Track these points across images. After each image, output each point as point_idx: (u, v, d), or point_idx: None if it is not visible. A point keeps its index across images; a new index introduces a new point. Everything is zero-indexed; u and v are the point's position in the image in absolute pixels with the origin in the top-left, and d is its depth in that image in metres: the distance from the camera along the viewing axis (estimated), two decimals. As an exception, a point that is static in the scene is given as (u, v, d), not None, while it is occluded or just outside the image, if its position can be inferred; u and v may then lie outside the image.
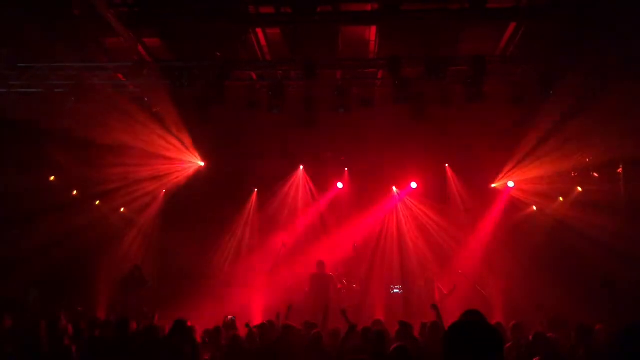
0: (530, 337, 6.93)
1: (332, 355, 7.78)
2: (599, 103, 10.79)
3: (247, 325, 9.13)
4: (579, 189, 14.12)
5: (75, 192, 14.87)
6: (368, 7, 10.01)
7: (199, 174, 15.13)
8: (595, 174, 13.51)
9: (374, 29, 10.67)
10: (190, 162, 14.93)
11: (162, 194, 15.85)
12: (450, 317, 6.27)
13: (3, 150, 12.29)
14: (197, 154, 14.61)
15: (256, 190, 16.38)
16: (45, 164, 13.66)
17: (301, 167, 16.02)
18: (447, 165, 15.59)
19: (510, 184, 14.68)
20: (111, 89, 11.67)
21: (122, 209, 15.51)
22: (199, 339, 8.92)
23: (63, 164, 13.64)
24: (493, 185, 15.08)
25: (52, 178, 14.27)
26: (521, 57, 10.65)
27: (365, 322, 9.51)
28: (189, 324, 9.25)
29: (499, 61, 10.74)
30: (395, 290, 14.88)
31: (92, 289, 13.37)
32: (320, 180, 16.13)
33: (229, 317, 10.79)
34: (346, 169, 16.02)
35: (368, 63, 11.25)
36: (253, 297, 14.06)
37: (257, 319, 12.16)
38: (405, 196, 16.05)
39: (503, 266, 13.40)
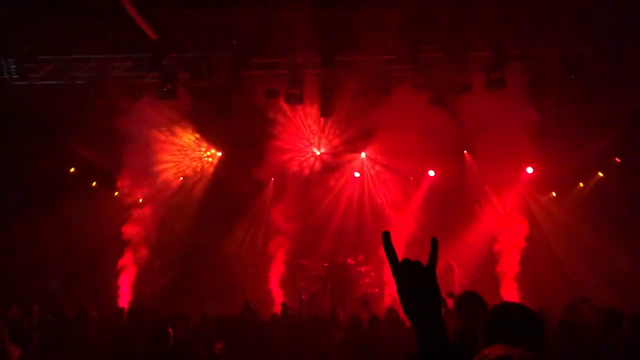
0: (556, 324, 6.90)
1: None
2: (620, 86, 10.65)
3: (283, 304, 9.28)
4: (600, 174, 13.99)
5: (94, 184, 15.02)
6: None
7: (217, 163, 15.24)
8: (618, 159, 13.37)
9: (393, 14, 10.56)
10: (208, 152, 15.03)
11: (179, 184, 15.97)
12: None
13: (25, 142, 12.42)
14: (215, 144, 14.70)
15: (273, 179, 16.46)
16: (65, 156, 13.79)
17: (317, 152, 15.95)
18: (465, 152, 15.49)
19: (529, 170, 14.54)
20: (130, 80, 11.73)
21: (141, 200, 15.64)
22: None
23: (83, 155, 13.77)
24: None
25: (72, 170, 14.42)
26: (544, 41, 10.48)
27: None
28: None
29: (521, 46, 10.58)
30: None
31: (114, 280, 13.53)
32: (336, 168, 16.16)
33: (250, 304, 10.89)
34: (363, 155, 15.97)
35: (387, 49, 11.12)
36: (273, 284, 14.19)
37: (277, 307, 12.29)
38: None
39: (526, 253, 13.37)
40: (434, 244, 1.70)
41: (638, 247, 12.03)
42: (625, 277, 11.87)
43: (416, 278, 1.63)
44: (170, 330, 5.95)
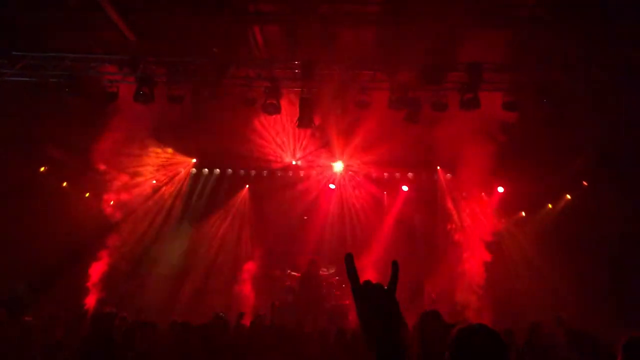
0: (521, 344, 7.04)
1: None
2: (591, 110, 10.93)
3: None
4: (568, 196, 14.33)
5: (65, 184, 14.71)
6: (368, 9, 10.03)
7: (190, 169, 15.15)
8: (585, 183, 13.70)
9: (372, 31, 10.69)
10: (183, 157, 14.96)
11: (152, 188, 15.78)
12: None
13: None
14: (190, 150, 14.63)
15: (247, 186, 16.45)
16: (36, 154, 13.48)
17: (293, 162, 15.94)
18: (438, 167, 15.75)
19: (500, 189, 14.82)
20: (106, 81, 11.55)
21: (112, 202, 15.39)
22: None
23: (54, 154, 13.48)
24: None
25: (42, 169, 14.10)
26: (517, 65, 10.73)
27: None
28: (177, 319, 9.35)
29: (496, 69, 10.80)
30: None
31: (82, 282, 13.24)
32: (312, 179, 16.21)
33: (220, 313, 10.78)
34: (339, 167, 16.01)
35: (365, 66, 11.24)
36: (243, 293, 14.08)
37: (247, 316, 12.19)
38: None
39: (494, 270, 13.59)
40: (395, 267, 1.71)
41: (602, 267, 12.33)
42: (590, 298, 12.12)
43: (376, 300, 1.64)
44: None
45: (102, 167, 13.79)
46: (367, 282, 1.67)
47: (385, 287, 1.68)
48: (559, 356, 6.57)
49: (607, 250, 12.00)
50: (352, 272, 1.66)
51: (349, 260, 1.67)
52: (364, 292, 1.66)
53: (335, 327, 9.15)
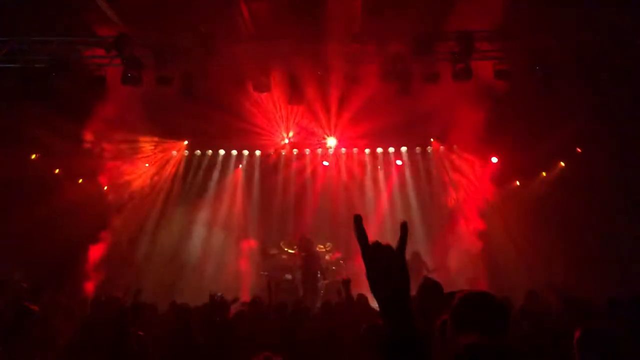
0: (518, 310, 7.10)
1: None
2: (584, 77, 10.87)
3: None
4: (562, 164, 14.33)
5: (57, 171, 14.62)
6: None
7: (183, 150, 15.07)
8: (579, 149, 13.68)
9: (360, 3, 10.53)
10: (175, 140, 14.88)
11: (146, 170, 15.72)
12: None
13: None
14: (182, 132, 14.55)
15: (240, 166, 16.41)
16: (26, 142, 13.36)
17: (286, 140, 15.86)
18: (432, 139, 15.75)
19: (494, 160, 14.80)
20: (93, 64, 11.40)
21: (106, 187, 15.34)
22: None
23: (45, 141, 13.36)
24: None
25: (33, 156, 13.99)
26: (509, 33, 10.62)
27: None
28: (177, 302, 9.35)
29: (487, 37, 10.69)
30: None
31: (80, 268, 13.26)
32: (306, 155, 16.19)
33: (218, 294, 10.82)
34: (332, 143, 15.95)
35: (355, 38, 11.10)
36: (241, 272, 14.15)
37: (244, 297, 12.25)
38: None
39: (489, 239, 13.70)
40: (404, 228, 1.71)
41: (595, 233, 12.40)
42: (583, 265, 12.22)
43: (386, 261, 1.63)
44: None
45: (94, 151, 13.73)
46: (377, 243, 1.66)
47: (394, 248, 1.67)
48: (554, 321, 6.63)
49: (600, 216, 12.01)
50: (361, 233, 1.66)
51: (358, 221, 1.66)
52: (373, 253, 1.65)
53: (344, 295, 9.10)
